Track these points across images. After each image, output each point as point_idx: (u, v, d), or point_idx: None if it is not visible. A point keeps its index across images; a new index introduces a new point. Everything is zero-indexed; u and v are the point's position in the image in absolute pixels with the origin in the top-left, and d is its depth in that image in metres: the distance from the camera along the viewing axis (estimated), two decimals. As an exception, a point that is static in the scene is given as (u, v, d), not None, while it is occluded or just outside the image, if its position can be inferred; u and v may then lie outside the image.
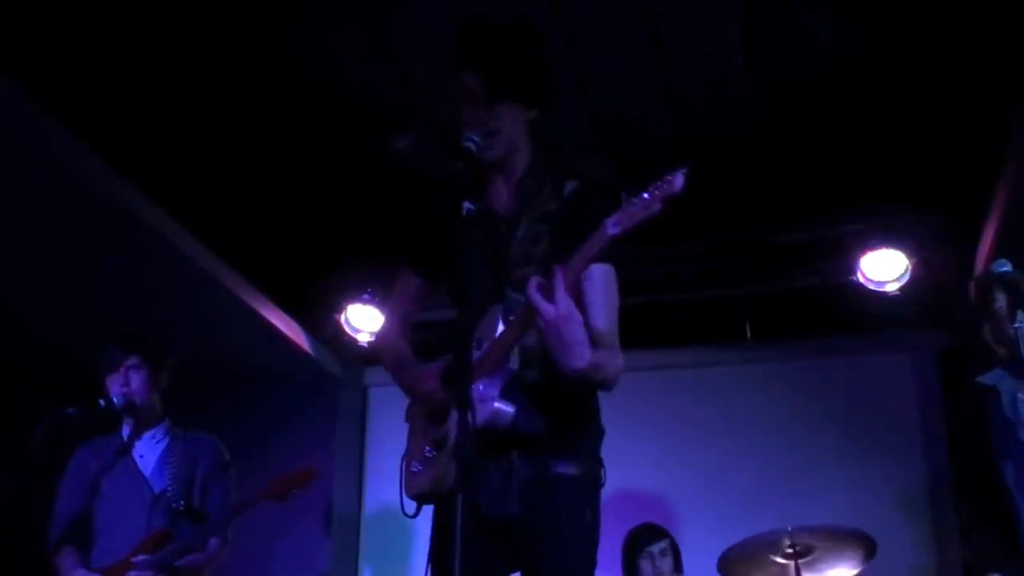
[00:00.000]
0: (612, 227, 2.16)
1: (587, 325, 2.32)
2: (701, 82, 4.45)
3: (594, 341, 2.32)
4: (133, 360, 3.79)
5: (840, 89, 4.45)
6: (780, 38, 4.17)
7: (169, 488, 3.73)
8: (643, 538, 4.60)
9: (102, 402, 3.72)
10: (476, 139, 2.38)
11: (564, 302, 2.21)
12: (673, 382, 5.74)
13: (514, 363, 2.37)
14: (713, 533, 4.72)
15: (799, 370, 5.75)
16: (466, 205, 2.27)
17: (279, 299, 5.42)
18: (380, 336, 2.89)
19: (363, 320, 5.64)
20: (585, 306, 2.36)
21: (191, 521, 3.72)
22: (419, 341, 2.71)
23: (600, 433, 2.54)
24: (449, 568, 1.89)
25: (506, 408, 2.33)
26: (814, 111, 4.60)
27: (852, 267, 5.14)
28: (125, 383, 3.76)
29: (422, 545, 5.92)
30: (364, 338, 5.68)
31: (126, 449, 3.81)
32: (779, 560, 4.13)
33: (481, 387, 2.34)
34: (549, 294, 2.21)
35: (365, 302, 5.56)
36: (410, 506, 2.51)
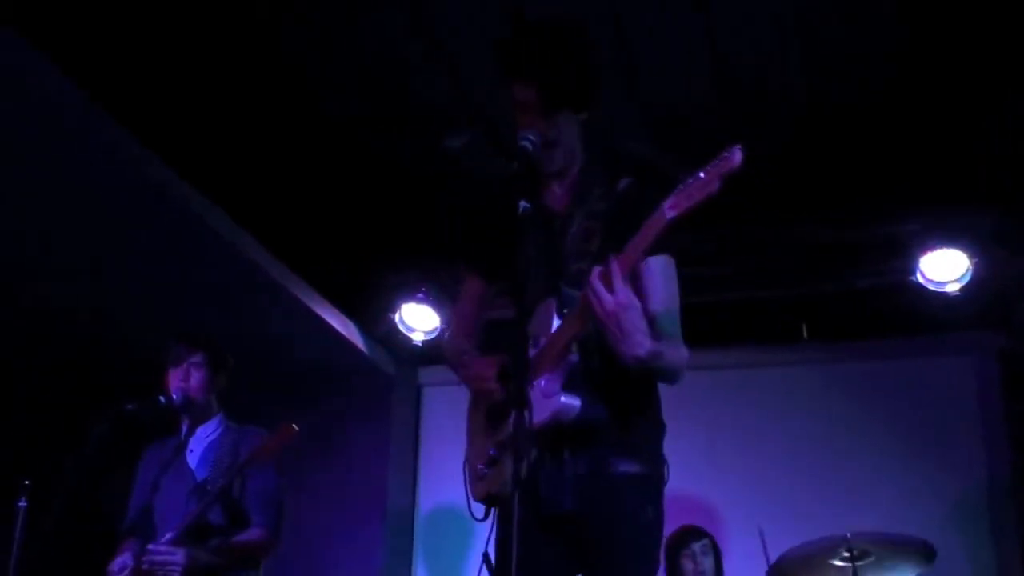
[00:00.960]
0: (669, 210, 2.14)
1: (647, 315, 2.32)
2: (754, 74, 4.40)
3: (655, 332, 2.32)
4: (196, 358, 3.86)
5: (901, 79, 4.38)
6: (838, 25, 4.11)
7: (208, 476, 3.77)
8: (685, 537, 4.61)
9: (162, 399, 3.78)
10: (532, 138, 2.39)
11: (623, 291, 2.20)
12: (727, 383, 5.69)
13: (574, 355, 2.35)
14: (766, 536, 4.68)
15: (856, 372, 5.67)
16: (522, 204, 2.25)
17: (334, 298, 5.46)
18: (447, 342, 2.90)
19: (417, 319, 5.67)
20: (645, 296, 2.37)
21: (224, 505, 3.74)
22: (485, 340, 2.73)
23: (662, 429, 2.53)
24: (506, 570, 1.89)
25: (572, 402, 2.32)
26: (873, 102, 4.52)
27: (911, 267, 5.06)
28: (185, 379, 3.82)
29: (476, 543, 5.95)
30: (418, 337, 5.71)
31: (181, 447, 3.88)
32: (836, 563, 4.08)
33: (543, 383, 2.33)
34: (608, 284, 2.20)
35: (419, 301, 5.58)
36: (478, 510, 2.49)
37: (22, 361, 5.26)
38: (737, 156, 2.04)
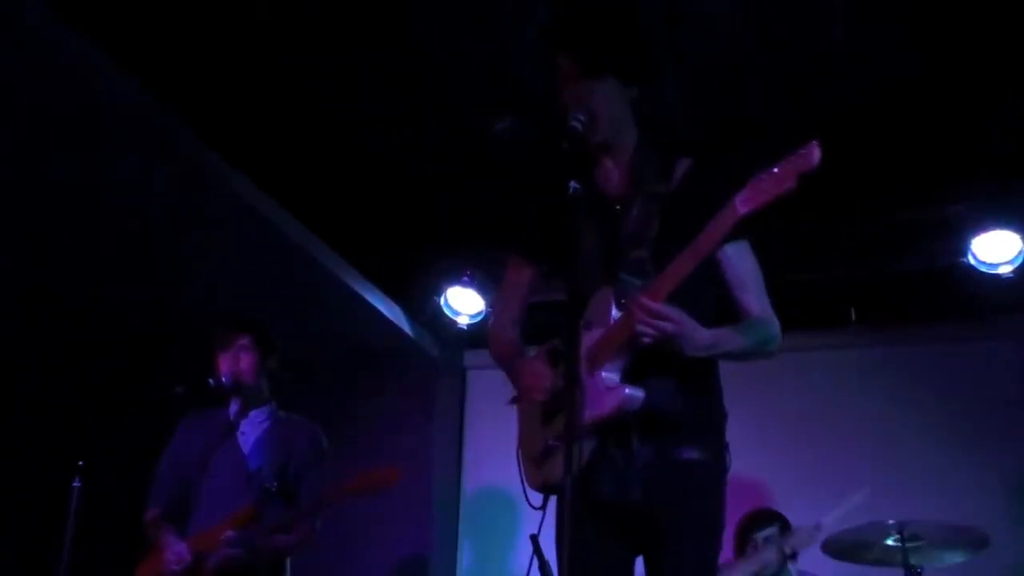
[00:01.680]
0: (742, 205, 2.10)
1: (737, 305, 2.36)
2: (803, 54, 4.34)
3: (744, 314, 2.39)
4: (244, 340, 3.89)
5: (953, 55, 4.29)
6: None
7: (264, 468, 3.80)
8: (754, 524, 4.56)
9: (211, 381, 3.83)
10: (582, 119, 2.36)
11: (671, 312, 2.22)
12: (775, 367, 5.62)
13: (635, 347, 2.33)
14: (814, 518, 4.64)
15: (906, 356, 5.60)
16: (572, 185, 2.22)
17: (380, 281, 5.48)
18: (493, 332, 2.86)
19: (463, 302, 5.68)
20: (730, 288, 2.40)
21: (281, 503, 3.78)
22: (531, 324, 2.71)
23: (724, 416, 2.52)
24: (561, 555, 1.89)
25: (636, 393, 2.31)
26: (922, 81, 4.44)
27: (963, 249, 4.98)
28: (235, 362, 3.86)
29: (522, 524, 6.00)
30: (463, 320, 5.72)
31: (231, 427, 3.91)
32: (888, 544, 4.05)
33: (604, 374, 2.32)
34: (650, 313, 2.21)
35: (465, 284, 5.59)
36: (536, 498, 2.48)
37: (75, 344, 5.34)
38: (815, 154, 2.00)
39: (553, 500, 2.47)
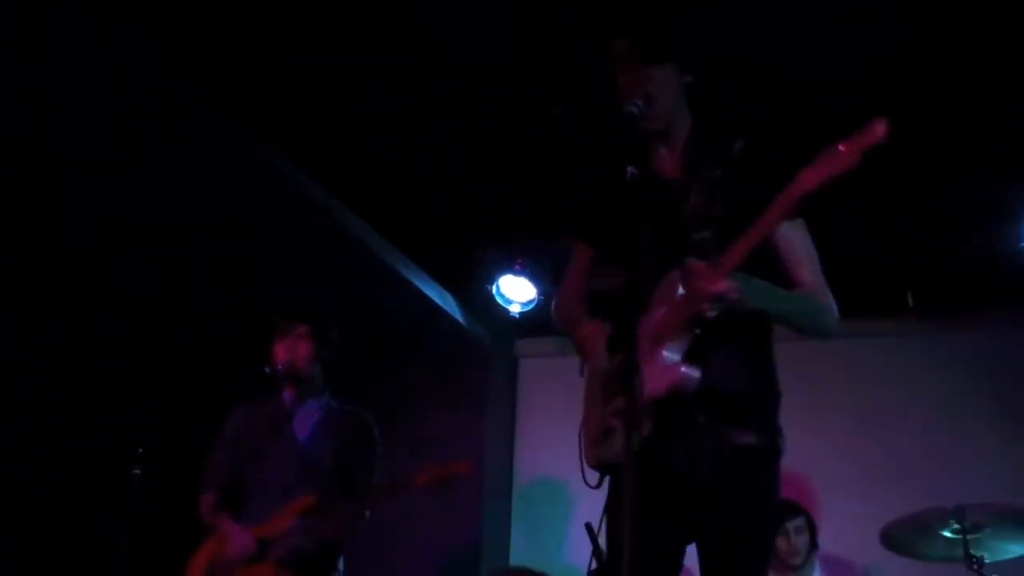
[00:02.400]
0: (807, 181, 2.11)
1: (791, 280, 2.38)
2: (855, 29, 4.26)
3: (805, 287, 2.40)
4: (302, 330, 3.93)
5: (1009, 39, 4.20)
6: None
7: (321, 458, 3.83)
8: (780, 514, 4.53)
9: (267, 369, 3.88)
10: (639, 104, 2.36)
11: (726, 283, 2.23)
12: (829, 354, 5.58)
13: (697, 328, 2.34)
14: (872, 507, 4.59)
15: (964, 342, 5.52)
16: (630, 170, 2.23)
17: (433, 270, 5.51)
18: (560, 310, 2.85)
19: (515, 291, 5.68)
20: (786, 266, 2.41)
21: (340, 491, 3.82)
22: (593, 310, 2.72)
23: (778, 400, 2.50)
24: (641, 540, 1.90)
25: (692, 373, 2.30)
26: (985, 54, 4.35)
27: (1022, 233, 4.88)
28: (292, 351, 3.90)
29: (574, 512, 6.01)
30: (515, 309, 5.73)
31: (287, 416, 3.95)
32: (946, 534, 3.99)
33: (665, 352, 2.32)
34: (709, 276, 2.22)
35: (517, 273, 5.60)
36: (592, 477, 2.50)
37: (135, 335, 5.43)
38: (880, 129, 2.01)
39: (606, 482, 2.50)
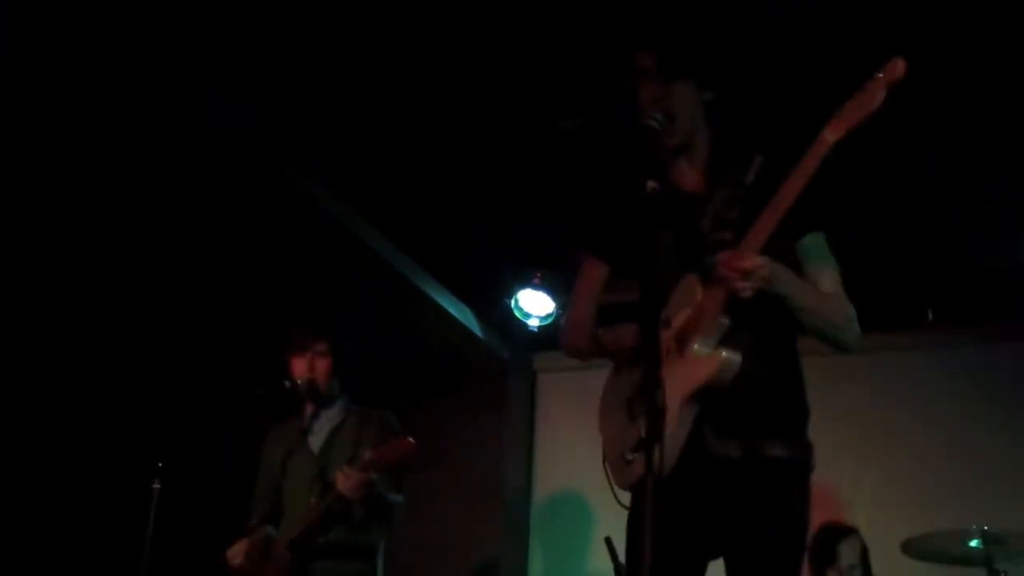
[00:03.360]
0: (831, 133, 2.08)
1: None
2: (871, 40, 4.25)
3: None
4: (321, 347, 3.92)
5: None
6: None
7: (330, 465, 3.81)
8: (832, 538, 4.40)
9: (287, 383, 3.88)
10: (659, 118, 2.35)
11: (758, 259, 2.20)
12: (849, 369, 5.55)
13: (726, 319, 2.30)
14: (894, 523, 4.57)
15: (984, 356, 5.48)
16: (651, 185, 2.20)
17: (451, 284, 5.52)
18: (570, 323, 2.81)
19: (533, 305, 5.68)
20: (808, 277, 2.38)
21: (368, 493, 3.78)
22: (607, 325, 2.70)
23: (807, 413, 2.47)
24: (642, 555, 1.86)
25: (734, 356, 2.25)
26: (1005, 64, 4.32)
27: (1044, 246, 4.87)
28: (311, 368, 3.90)
29: (592, 526, 5.99)
30: (534, 323, 5.73)
31: (306, 430, 3.96)
32: (971, 547, 3.96)
33: (696, 346, 2.29)
34: (741, 255, 2.20)
35: (535, 287, 5.60)
36: (626, 498, 2.43)
37: (154, 348, 5.46)
38: (900, 65, 1.97)
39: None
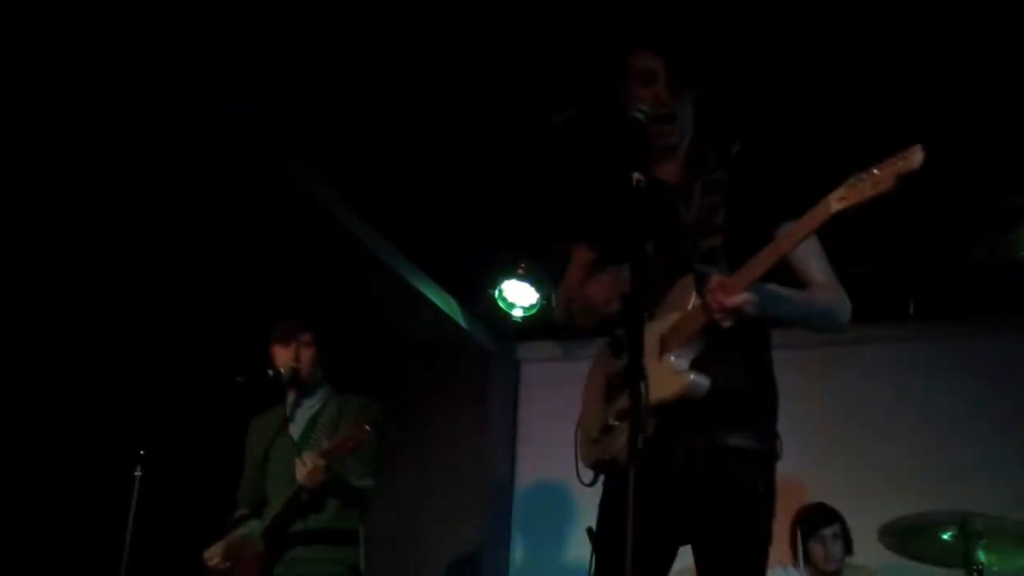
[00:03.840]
0: (836, 203, 2.08)
1: (801, 277, 2.40)
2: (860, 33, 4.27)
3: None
4: (305, 337, 3.94)
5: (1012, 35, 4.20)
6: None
7: (309, 449, 3.81)
8: (817, 520, 4.55)
9: (270, 372, 3.89)
10: (644, 109, 2.35)
11: (743, 296, 2.22)
12: (831, 360, 5.59)
13: (705, 337, 2.35)
14: (872, 514, 4.60)
15: (966, 349, 5.53)
16: (635, 176, 2.22)
17: (434, 274, 5.52)
18: (565, 299, 2.82)
19: (517, 295, 5.68)
20: (796, 264, 2.41)
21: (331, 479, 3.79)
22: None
23: (775, 403, 2.51)
24: (618, 539, 1.89)
25: (702, 381, 2.31)
26: (989, 62, 4.35)
27: (1025, 240, 4.90)
28: (295, 358, 3.90)
29: (575, 517, 6.01)
30: (518, 313, 5.73)
31: (287, 420, 3.97)
32: (945, 538, 3.98)
33: (673, 358, 2.33)
34: (727, 293, 2.21)
35: (519, 277, 5.61)
36: (587, 475, 2.52)
37: (136, 335, 5.44)
38: (917, 157, 1.97)
39: (599, 482, 2.52)
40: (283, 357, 3.91)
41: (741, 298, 2.21)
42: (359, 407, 3.96)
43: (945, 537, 3.95)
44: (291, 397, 3.98)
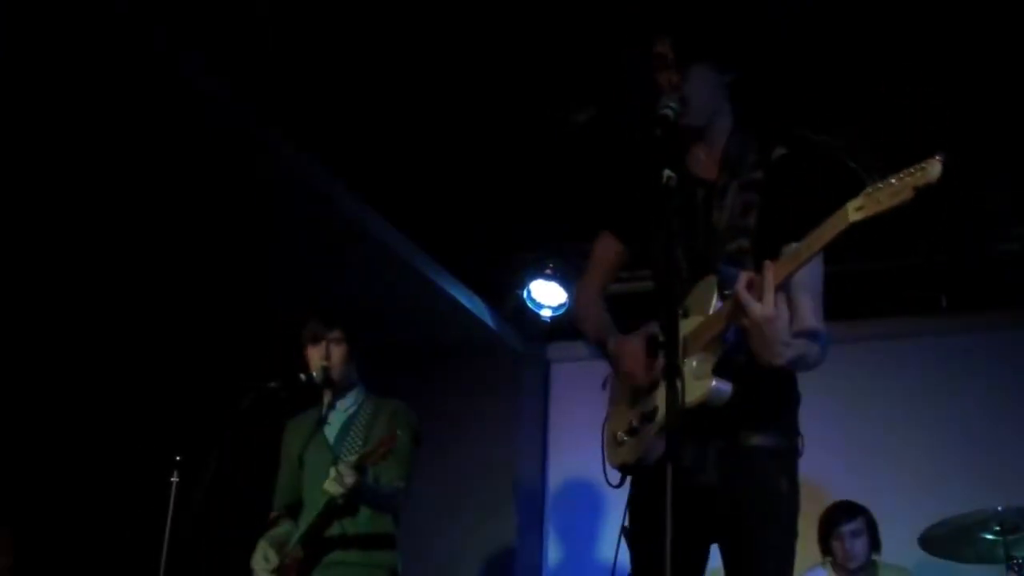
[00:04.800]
0: (855, 213, 2.03)
1: (794, 309, 2.30)
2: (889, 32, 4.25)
3: (800, 327, 2.30)
4: (335, 334, 3.95)
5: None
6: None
7: (343, 453, 3.82)
8: (836, 517, 4.52)
9: (303, 376, 3.89)
10: (673, 105, 2.34)
11: (770, 302, 2.15)
12: (865, 355, 5.55)
13: (729, 339, 2.30)
14: (910, 510, 4.58)
15: (1000, 342, 5.48)
16: (666, 172, 2.18)
17: (463, 275, 5.52)
18: (581, 305, 2.85)
19: (546, 295, 5.68)
20: (793, 290, 2.33)
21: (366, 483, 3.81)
22: (616, 313, 2.71)
23: (798, 401, 2.49)
24: (660, 543, 1.89)
25: (724, 387, 2.28)
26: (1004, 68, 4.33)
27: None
28: (326, 356, 3.92)
29: (607, 517, 6.01)
30: (546, 313, 5.73)
31: (321, 422, 3.99)
32: (987, 537, 3.95)
33: (695, 363, 2.31)
34: (758, 292, 2.16)
35: (547, 277, 5.61)
36: (614, 476, 2.52)
37: (173, 341, 5.49)
38: (936, 168, 1.93)
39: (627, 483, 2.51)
40: (315, 357, 3.93)
41: (764, 311, 2.15)
42: (394, 411, 3.97)
43: (987, 536, 3.93)
44: (327, 398, 4.00)
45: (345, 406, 3.99)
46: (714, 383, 2.28)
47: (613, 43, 3.89)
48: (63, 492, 5.11)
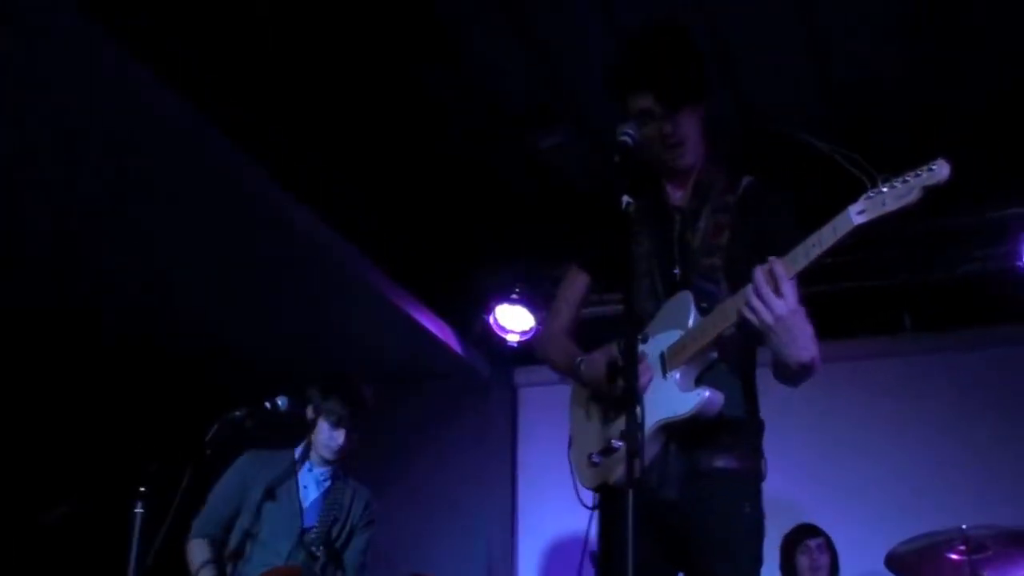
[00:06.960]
0: (857, 216, 2.02)
1: None
2: (856, 63, 4.33)
3: None
4: (360, 422, 3.88)
5: (998, 65, 4.27)
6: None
7: (316, 528, 3.77)
8: (800, 535, 4.60)
9: (267, 404, 3.82)
10: (631, 132, 2.34)
11: (792, 295, 2.12)
12: (828, 377, 5.55)
13: (714, 352, 2.32)
14: (876, 531, 4.59)
15: (962, 361, 5.53)
16: (625, 199, 2.18)
17: (429, 301, 5.51)
18: (547, 340, 2.86)
19: (512, 320, 5.68)
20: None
21: (327, 565, 3.77)
22: (586, 338, 2.71)
23: (761, 426, 2.49)
24: (623, 563, 1.87)
25: (715, 397, 2.28)
26: (973, 88, 4.41)
27: (1018, 252, 4.91)
28: (349, 440, 3.84)
29: (577, 540, 5.94)
30: (513, 338, 5.73)
31: (293, 471, 3.90)
32: (952, 557, 3.97)
33: (678, 375, 2.31)
34: (775, 285, 2.12)
35: (513, 302, 5.60)
36: (588, 498, 2.49)
37: (139, 369, 5.43)
38: (944, 170, 1.93)
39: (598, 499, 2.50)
40: (338, 437, 3.83)
41: (784, 304, 2.11)
42: (367, 502, 3.94)
43: (952, 556, 3.95)
44: (300, 450, 3.92)
45: (323, 477, 3.91)
46: (707, 393, 2.28)
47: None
48: (26, 520, 5.03)
